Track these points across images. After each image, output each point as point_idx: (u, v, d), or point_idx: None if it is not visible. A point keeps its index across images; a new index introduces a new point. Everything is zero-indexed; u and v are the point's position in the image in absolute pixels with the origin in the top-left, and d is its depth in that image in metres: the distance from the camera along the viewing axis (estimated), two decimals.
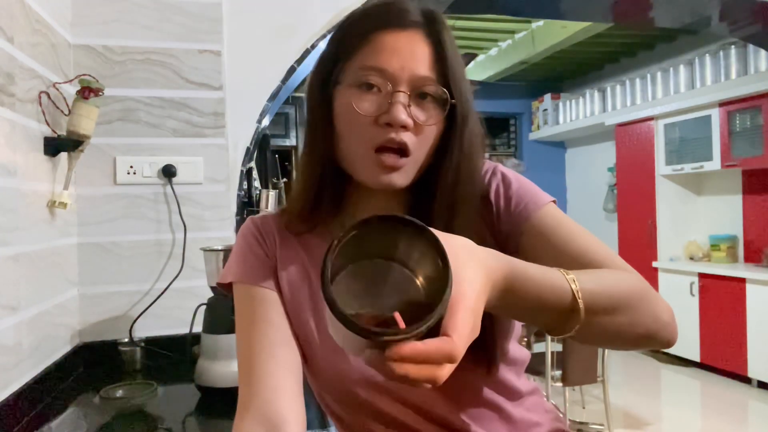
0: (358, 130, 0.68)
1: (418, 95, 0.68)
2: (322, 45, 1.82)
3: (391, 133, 0.67)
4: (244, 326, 0.73)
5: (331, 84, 0.71)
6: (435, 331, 0.45)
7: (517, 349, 0.79)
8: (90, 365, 1.50)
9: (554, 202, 0.75)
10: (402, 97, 0.67)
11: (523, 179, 0.77)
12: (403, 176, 0.69)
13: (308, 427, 1.08)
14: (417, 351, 0.44)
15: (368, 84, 0.68)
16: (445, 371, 0.46)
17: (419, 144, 0.69)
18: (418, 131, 0.68)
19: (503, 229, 0.74)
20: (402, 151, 0.68)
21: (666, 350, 4.86)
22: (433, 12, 0.71)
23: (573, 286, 0.58)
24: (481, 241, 0.57)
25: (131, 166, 1.57)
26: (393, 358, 0.44)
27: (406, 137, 0.67)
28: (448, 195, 0.70)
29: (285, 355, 0.71)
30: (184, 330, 1.51)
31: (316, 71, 0.74)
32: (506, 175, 0.76)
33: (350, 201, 0.76)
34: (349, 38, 0.70)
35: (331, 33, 0.74)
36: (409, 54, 0.67)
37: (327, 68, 0.72)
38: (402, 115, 0.66)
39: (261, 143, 2.32)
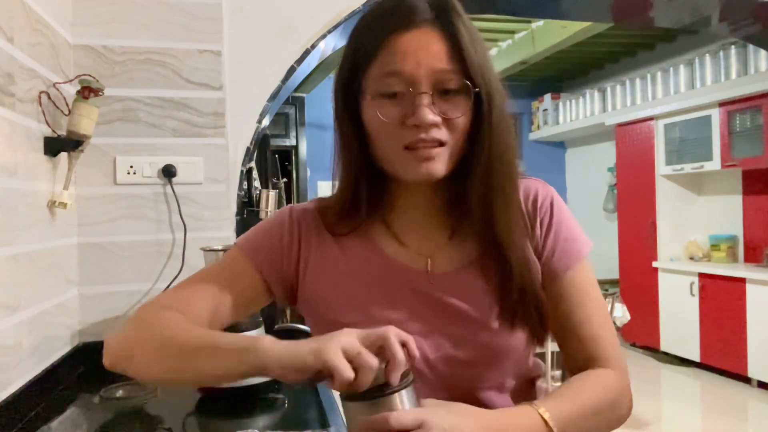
0: (388, 134, 0.71)
1: (442, 91, 0.69)
2: (323, 45, 1.82)
3: (420, 133, 0.69)
4: (211, 270, 0.82)
5: (354, 92, 0.73)
6: None
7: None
8: (90, 365, 1.50)
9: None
10: (425, 98, 0.68)
11: (569, 216, 0.80)
12: (439, 165, 0.71)
13: (308, 427, 1.08)
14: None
15: (391, 93, 0.69)
16: None
17: (452, 135, 0.70)
18: (449, 124, 0.70)
19: (539, 254, 0.78)
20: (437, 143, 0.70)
21: (666, 350, 4.86)
22: (442, 3, 0.71)
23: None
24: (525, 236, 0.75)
25: (131, 166, 1.57)
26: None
27: (438, 134, 0.69)
28: (482, 181, 0.72)
29: (215, 307, 0.76)
30: None
31: (337, 80, 0.76)
32: (554, 206, 0.80)
33: (390, 198, 0.79)
34: (365, 46, 0.72)
35: (348, 39, 0.75)
36: (424, 51, 0.68)
37: (347, 76, 0.74)
38: (428, 115, 0.68)
39: (261, 143, 2.32)
